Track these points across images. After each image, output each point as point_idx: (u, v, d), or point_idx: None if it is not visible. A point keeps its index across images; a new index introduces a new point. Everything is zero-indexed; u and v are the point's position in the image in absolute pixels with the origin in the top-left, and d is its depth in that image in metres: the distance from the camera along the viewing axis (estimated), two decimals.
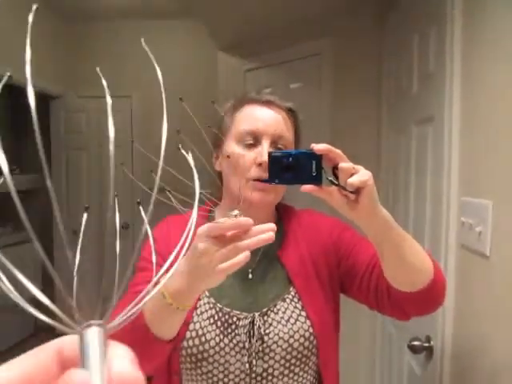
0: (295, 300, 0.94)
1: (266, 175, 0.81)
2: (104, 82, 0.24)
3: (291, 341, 0.90)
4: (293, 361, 0.91)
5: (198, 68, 3.84)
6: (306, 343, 0.91)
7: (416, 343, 1.35)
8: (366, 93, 2.21)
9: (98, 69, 0.27)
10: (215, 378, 0.90)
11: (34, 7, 0.21)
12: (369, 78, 2.19)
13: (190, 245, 0.52)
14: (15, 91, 3.40)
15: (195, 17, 2.88)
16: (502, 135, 1.00)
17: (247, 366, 0.89)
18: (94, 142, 3.85)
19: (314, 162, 0.75)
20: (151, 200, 0.25)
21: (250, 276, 0.96)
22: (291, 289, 0.96)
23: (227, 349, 0.89)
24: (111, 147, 0.23)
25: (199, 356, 0.89)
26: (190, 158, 0.32)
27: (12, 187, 0.21)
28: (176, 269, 0.68)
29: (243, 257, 0.63)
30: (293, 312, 0.93)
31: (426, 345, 1.34)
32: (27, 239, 3.73)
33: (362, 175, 0.71)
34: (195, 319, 0.91)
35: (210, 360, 0.89)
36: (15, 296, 0.24)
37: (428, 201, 1.44)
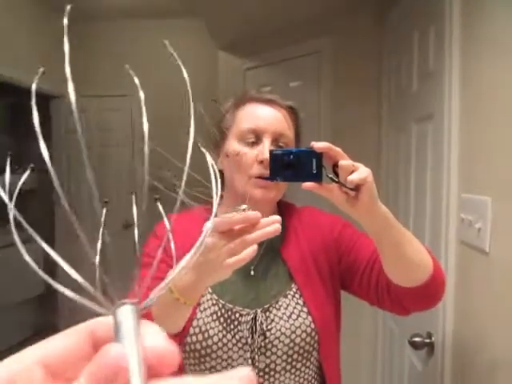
0: (297, 296, 0.95)
1: (267, 173, 0.82)
2: (136, 80, 0.24)
3: (293, 336, 0.91)
4: (295, 356, 0.92)
5: (198, 67, 3.85)
6: (308, 339, 0.92)
7: (417, 339, 1.36)
8: (365, 91, 2.22)
9: (127, 66, 0.27)
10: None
11: (68, 8, 0.22)
12: (369, 76, 2.20)
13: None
14: (16, 91, 3.41)
15: (195, 16, 2.89)
16: (500, 132, 1.01)
17: (250, 361, 0.90)
18: (95, 142, 3.86)
19: (314, 160, 0.76)
20: (177, 198, 0.26)
21: (252, 273, 0.97)
22: (293, 285, 0.97)
23: (230, 344, 0.90)
24: (146, 140, 0.24)
25: (202, 352, 0.91)
26: (208, 156, 0.32)
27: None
28: (183, 264, 0.69)
29: (251, 250, 0.64)
30: (294, 308, 0.94)
31: (427, 341, 1.34)
32: (29, 239, 3.75)
33: (361, 172, 0.73)
34: (198, 315, 0.92)
35: (213, 356, 0.90)
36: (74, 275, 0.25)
37: (428, 198, 1.45)
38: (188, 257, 0.27)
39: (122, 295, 0.23)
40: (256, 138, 0.93)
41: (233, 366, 0.91)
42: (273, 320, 0.92)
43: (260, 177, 0.89)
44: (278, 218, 0.67)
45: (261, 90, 1.02)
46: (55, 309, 3.82)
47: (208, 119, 0.69)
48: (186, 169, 0.26)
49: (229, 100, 1.03)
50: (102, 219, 0.25)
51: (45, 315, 3.80)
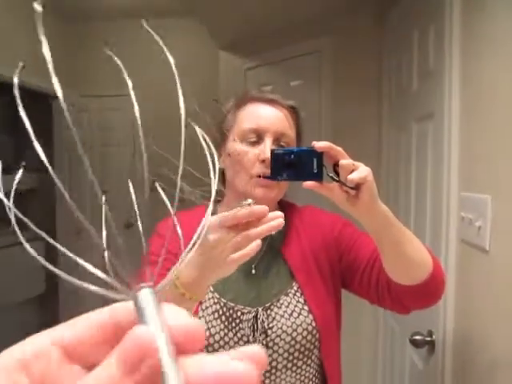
0: (298, 294, 0.96)
1: (269, 172, 0.83)
2: (127, 78, 0.25)
3: (294, 334, 0.92)
4: (296, 354, 0.93)
5: (198, 67, 3.86)
6: (309, 337, 0.93)
7: (418, 337, 1.36)
8: (366, 90, 2.22)
9: (117, 61, 0.27)
10: None
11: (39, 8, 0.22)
12: (369, 76, 2.20)
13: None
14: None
15: (196, 16, 2.90)
16: (500, 131, 1.01)
17: None
18: (96, 142, 3.86)
19: (315, 159, 0.77)
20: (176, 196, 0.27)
21: (253, 271, 0.98)
22: (294, 283, 0.97)
23: (231, 343, 0.91)
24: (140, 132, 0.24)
25: (204, 350, 0.91)
26: (213, 151, 0.33)
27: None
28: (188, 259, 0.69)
29: (255, 245, 0.65)
30: (295, 306, 0.94)
31: (428, 339, 1.35)
32: (30, 239, 3.75)
33: (361, 171, 0.73)
34: (200, 314, 0.93)
35: (215, 354, 0.91)
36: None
37: (428, 196, 1.46)
38: (195, 238, 0.28)
39: (135, 281, 0.23)
40: (257, 137, 0.93)
41: None
42: (274, 318, 0.93)
43: (261, 176, 0.89)
44: (279, 213, 0.68)
45: (262, 90, 1.03)
46: (56, 308, 3.83)
47: (209, 118, 0.70)
48: (181, 165, 0.26)
49: (230, 100, 1.03)
50: (104, 209, 0.25)
51: (45, 315, 3.80)
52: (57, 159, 3.82)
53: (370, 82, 2.20)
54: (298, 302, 0.95)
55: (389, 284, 0.91)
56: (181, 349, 0.21)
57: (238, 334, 0.91)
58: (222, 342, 0.91)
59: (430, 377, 1.37)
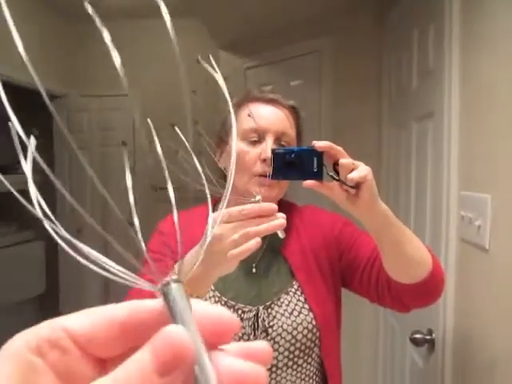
0: (298, 293, 0.96)
1: (269, 171, 0.84)
2: (125, 82, 0.25)
3: (295, 333, 0.92)
4: (296, 352, 0.93)
5: (198, 66, 3.85)
6: (310, 335, 0.93)
7: (418, 336, 1.37)
8: (366, 89, 2.22)
9: (117, 62, 0.27)
10: None
11: None
12: (369, 75, 2.21)
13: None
14: (16, 91, 3.42)
15: (195, 16, 2.90)
16: (500, 130, 1.01)
17: None
18: (96, 142, 3.86)
19: (315, 159, 0.77)
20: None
21: (254, 270, 0.99)
22: (294, 282, 0.98)
23: (232, 341, 0.91)
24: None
25: None
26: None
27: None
28: (191, 255, 0.70)
29: (254, 243, 0.65)
30: (296, 305, 0.95)
31: (428, 337, 1.35)
32: (31, 238, 3.76)
33: (361, 170, 0.74)
34: None
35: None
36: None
37: (428, 195, 1.46)
38: (208, 232, 0.28)
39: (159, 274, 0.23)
40: (258, 136, 0.94)
41: None
42: (275, 317, 0.93)
43: (262, 175, 0.90)
44: (282, 214, 0.69)
45: (262, 90, 1.03)
46: (56, 308, 3.83)
47: (198, 116, 0.70)
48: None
49: (231, 99, 1.03)
50: (132, 199, 0.25)
51: (46, 315, 3.80)
52: (57, 159, 3.82)
53: (370, 81, 2.20)
54: (299, 300, 0.96)
55: (389, 283, 0.92)
56: (211, 341, 0.21)
57: (239, 333, 0.92)
58: None
59: (430, 375, 1.37)
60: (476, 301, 1.13)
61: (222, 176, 1.02)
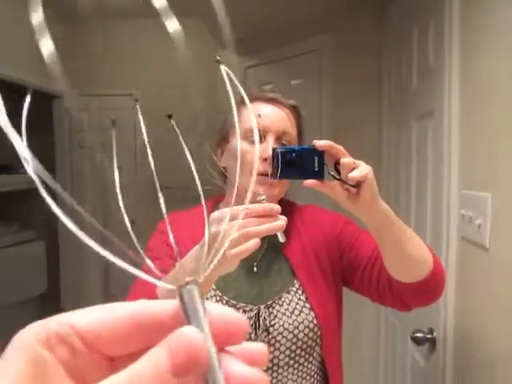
0: (299, 292, 0.97)
1: (270, 170, 0.84)
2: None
3: (296, 332, 0.92)
4: (298, 351, 0.93)
5: (198, 66, 3.85)
6: (311, 334, 0.93)
7: (419, 335, 1.37)
8: (366, 88, 2.22)
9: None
10: None
11: None
12: (369, 74, 2.20)
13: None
14: (16, 89, 3.42)
15: (195, 15, 2.89)
16: (500, 128, 1.01)
17: None
18: (96, 141, 3.86)
19: (316, 158, 0.78)
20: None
21: (255, 269, 0.99)
22: (295, 281, 0.98)
23: None
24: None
25: None
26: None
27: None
28: (191, 255, 0.70)
29: (254, 243, 0.65)
30: (297, 304, 0.95)
31: (429, 336, 1.35)
32: (32, 238, 3.76)
33: (362, 170, 0.74)
34: None
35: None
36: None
37: (429, 194, 1.46)
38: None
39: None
40: (260, 136, 0.94)
41: None
42: (276, 316, 0.93)
43: (263, 174, 0.90)
44: (283, 217, 0.69)
45: (263, 89, 1.03)
46: (58, 307, 3.84)
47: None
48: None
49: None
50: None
51: (47, 314, 3.81)
52: (58, 158, 3.82)
53: (370, 80, 2.20)
54: (300, 299, 0.96)
55: (389, 282, 0.92)
56: (222, 343, 0.21)
57: None
58: None
59: (431, 374, 1.38)
60: (476, 299, 1.13)
61: (222, 175, 1.02)
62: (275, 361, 0.92)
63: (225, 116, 1.01)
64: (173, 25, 0.23)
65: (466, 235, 1.17)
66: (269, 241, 1.00)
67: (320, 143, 0.76)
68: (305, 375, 0.96)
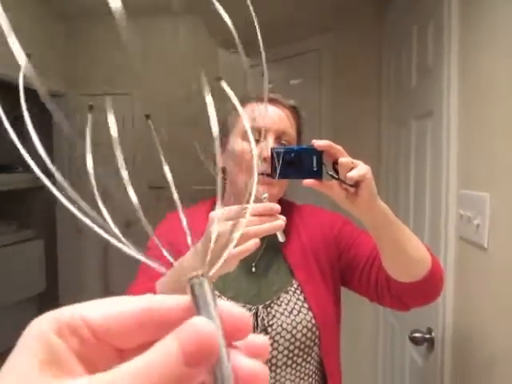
0: (298, 292, 0.97)
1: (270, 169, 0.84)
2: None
3: (294, 332, 0.92)
4: (296, 351, 0.93)
5: (198, 65, 3.84)
6: (309, 334, 0.94)
7: (417, 335, 1.37)
8: (366, 87, 2.22)
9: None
10: None
11: None
12: (369, 73, 2.20)
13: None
14: (15, 89, 3.41)
15: (195, 14, 2.89)
16: (499, 128, 1.01)
17: None
18: (95, 140, 3.85)
19: (315, 158, 0.78)
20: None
21: (254, 269, 0.99)
22: (294, 281, 0.98)
23: None
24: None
25: None
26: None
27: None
28: (191, 253, 0.70)
29: (253, 243, 0.65)
30: (295, 304, 0.95)
31: (427, 336, 1.35)
32: (31, 237, 3.76)
33: (360, 169, 0.74)
34: None
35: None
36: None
37: (427, 194, 1.46)
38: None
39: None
40: (259, 136, 0.94)
41: None
42: (274, 316, 0.93)
43: (263, 174, 0.90)
44: (282, 217, 0.69)
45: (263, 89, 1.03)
46: (56, 307, 3.83)
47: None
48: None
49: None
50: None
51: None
52: (56, 158, 3.82)
53: (370, 80, 2.20)
54: (298, 299, 0.96)
55: (388, 281, 0.92)
56: (228, 337, 0.22)
57: None
58: None
59: (429, 373, 1.38)
60: (475, 299, 1.13)
61: (223, 175, 1.02)
62: (273, 361, 0.92)
63: (224, 116, 1.01)
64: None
65: (465, 235, 1.17)
66: (268, 241, 1.00)
67: (319, 143, 0.76)
68: (303, 375, 0.96)
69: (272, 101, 0.98)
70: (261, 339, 0.24)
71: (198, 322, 0.21)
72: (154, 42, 3.61)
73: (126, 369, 0.19)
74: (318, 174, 0.78)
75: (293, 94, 1.04)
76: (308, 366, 0.96)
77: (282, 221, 0.69)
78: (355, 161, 0.76)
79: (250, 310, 0.93)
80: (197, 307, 0.22)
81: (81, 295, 3.66)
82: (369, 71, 2.20)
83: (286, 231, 1.02)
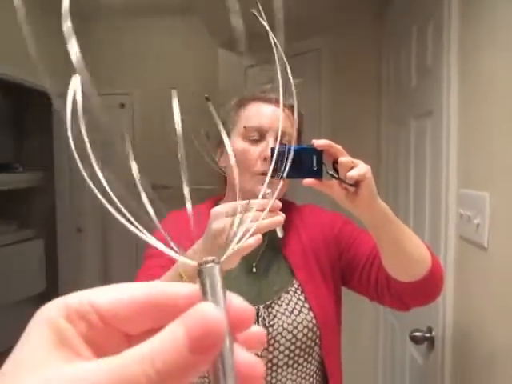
0: (298, 292, 0.97)
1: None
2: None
3: (295, 332, 0.92)
4: (297, 351, 0.93)
5: (197, 65, 3.85)
6: (310, 334, 0.94)
7: (417, 334, 1.37)
8: (365, 87, 2.22)
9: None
10: None
11: None
12: (368, 73, 2.21)
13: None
14: (15, 89, 3.41)
15: (195, 14, 2.89)
16: (498, 127, 1.01)
17: None
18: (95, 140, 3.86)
19: (314, 157, 0.78)
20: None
21: (254, 269, 0.99)
22: (294, 281, 0.98)
23: None
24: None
25: None
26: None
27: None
28: (193, 249, 0.70)
29: (255, 239, 0.65)
30: (296, 304, 0.95)
31: (428, 335, 1.36)
32: (31, 237, 3.76)
33: (360, 168, 0.74)
34: None
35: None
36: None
37: (427, 193, 1.46)
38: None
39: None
40: (259, 135, 0.94)
41: None
42: (275, 316, 0.93)
43: (263, 173, 0.90)
44: (281, 214, 0.69)
45: (264, 89, 1.03)
46: None
47: (197, 116, 0.71)
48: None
49: (233, 99, 1.04)
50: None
51: None
52: (56, 158, 3.82)
53: (370, 79, 2.20)
54: (299, 299, 0.96)
55: (388, 281, 0.92)
56: (232, 329, 0.22)
57: None
58: None
59: (429, 372, 1.38)
60: (475, 298, 1.13)
61: (223, 175, 1.03)
62: (274, 361, 0.92)
63: (224, 116, 1.01)
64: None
65: (465, 234, 1.17)
66: (268, 241, 1.00)
67: (318, 142, 0.76)
68: (304, 375, 0.96)
69: (272, 101, 0.98)
70: (258, 330, 0.24)
71: (206, 308, 0.20)
72: (154, 42, 3.61)
73: (132, 354, 0.19)
74: (317, 174, 0.78)
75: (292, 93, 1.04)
76: (309, 365, 0.96)
77: (281, 217, 0.69)
78: (355, 160, 0.76)
79: None
80: (205, 293, 0.22)
81: None
82: (368, 71, 2.20)
83: (286, 231, 1.03)
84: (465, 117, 1.20)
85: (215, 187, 1.11)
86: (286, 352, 0.93)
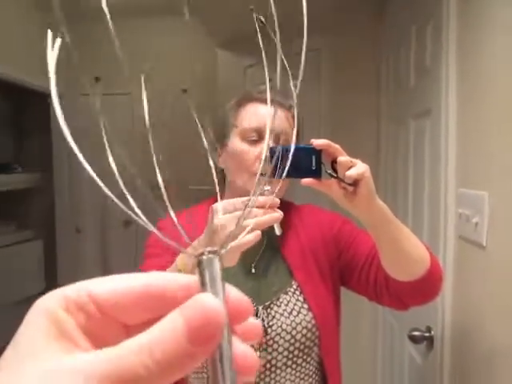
0: (297, 293, 0.97)
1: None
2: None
3: (294, 332, 0.92)
4: (296, 352, 0.93)
5: (197, 65, 3.84)
6: (309, 334, 0.94)
7: (416, 333, 1.37)
8: (364, 87, 2.22)
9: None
10: None
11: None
12: (367, 72, 2.21)
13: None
14: (15, 89, 3.41)
15: (194, 14, 2.89)
16: (497, 127, 1.02)
17: None
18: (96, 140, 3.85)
19: (313, 157, 0.78)
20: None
21: (253, 270, 0.99)
22: (293, 282, 0.98)
23: None
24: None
25: None
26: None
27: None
28: (193, 246, 0.70)
29: (254, 235, 0.65)
30: (295, 304, 0.95)
31: (427, 335, 1.36)
32: (30, 238, 3.76)
33: (359, 168, 0.75)
34: None
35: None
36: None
37: (426, 193, 1.46)
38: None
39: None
40: (258, 136, 0.94)
41: None
42: (274, 317, 0.93)
43: (262, 174, 0.90)
44: (279, 211, 0.70)
45: (262, 90, 1.04)
46: None
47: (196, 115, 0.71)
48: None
49: (231, 99, 1.04)
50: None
51: None
52: (55, 158, 3.81)
53: (369, 79, 2.20)
54: (298, 300, 0.96)
55: (387, 281, 0.92)
56: (231, 320, 0.22)
57: None
58: None
59: (428, 371, 1.38)
60: (474, 298, 1.13)
61: (223, 175, 1.03)
62: (273, 361, 0.92)
63: (222, 117, 1.02)
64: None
65: (463, 234, 1.18)
66: (267, 241, 1.00)
67: (317, 142, 0.76)
68: (303, 375, 0.96)
69: (271, 101, 0.98)
70: (255, 323, 0.24)
71: (205, 299, 0.20)
72: (154, 42, 3.60)
73: (130, 344, 0.19)
74: (316, 173, 0.78)
75: (291, 93, 1.04)
76: (308, 366, 0.96)
77: (279, 214, 0.69)
78: (354, 159, 0.76)
79: None
80: (203, 284, 0.22)
81: None
82: (368, 71, 2.20)
83: (285, 231, 1.03)
84: (463, 116, 1.20)
85: (213, 187, 1.11)
86: (285, 353, 0.93)
